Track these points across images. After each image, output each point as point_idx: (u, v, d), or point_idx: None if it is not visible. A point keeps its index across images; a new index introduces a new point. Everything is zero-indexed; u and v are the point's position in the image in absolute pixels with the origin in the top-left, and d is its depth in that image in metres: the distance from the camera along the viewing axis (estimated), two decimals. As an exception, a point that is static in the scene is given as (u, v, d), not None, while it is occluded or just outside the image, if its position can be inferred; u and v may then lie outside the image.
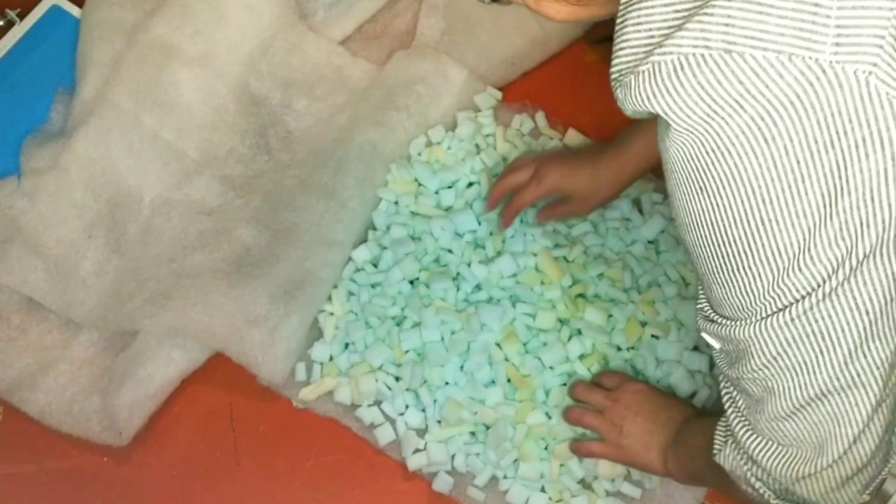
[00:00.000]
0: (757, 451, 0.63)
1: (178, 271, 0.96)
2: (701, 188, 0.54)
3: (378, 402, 0.94)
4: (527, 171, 0.95)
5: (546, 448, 0.91)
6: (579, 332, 0.93)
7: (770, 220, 0.52)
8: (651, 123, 0.86)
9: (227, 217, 1.00)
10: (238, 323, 0.92)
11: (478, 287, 0.96)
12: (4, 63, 1.07)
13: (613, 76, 0.55)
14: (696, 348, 0.94)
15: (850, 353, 0.55)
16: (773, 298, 0.55)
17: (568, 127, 1.05)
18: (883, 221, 0.51)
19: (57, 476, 0.93)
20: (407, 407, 0.93)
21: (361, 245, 0.99)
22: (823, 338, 0.55)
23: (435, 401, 0.92)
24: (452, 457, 0.92)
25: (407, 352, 0.94)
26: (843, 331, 0.54)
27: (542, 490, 0.91)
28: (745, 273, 0.55)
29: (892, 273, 0.52)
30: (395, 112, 1.02)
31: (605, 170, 0.92)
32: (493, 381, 0.93)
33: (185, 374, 0.94)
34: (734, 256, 0.55)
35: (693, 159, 0.53)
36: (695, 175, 0.54)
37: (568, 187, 0.93)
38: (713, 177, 0.53)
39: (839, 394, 0.57)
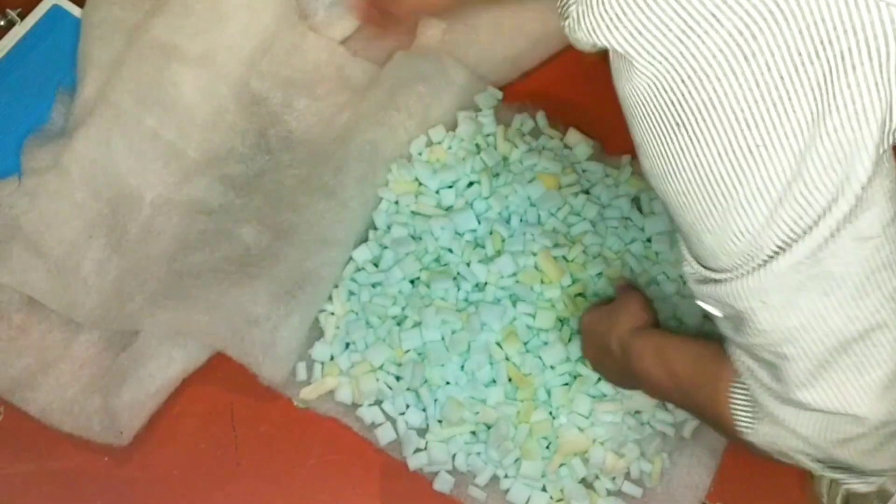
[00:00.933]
0: (795, 422, 0.57)
1: (178, 271, 0.96)
2: (677, 124, 0.50)
3: (379, 402, 0.94)
4: None
5: (548, 447, 0.92)
6: (579, 331, 0.93)
7: (758, 147, 0.48)
8: None
9: (227, 217, 1.00)
10: (238, 322, 0.92)
11: (478, 286, 0.96)
12: (5, 63, 1.07)
13: (559, 8, 0.51)
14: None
15: (858, 289, 0.51)
16: (773, 235, 0.51)
17: (568, 126, 1.05)
18: (874, 141, 0.47)
19: (58, 476, 0.93)
20: (408, 406, 0.93)
21: (362, 245, 0.99)
22: (828, 277, 0.50)
23: (436, 400, 0.92)
24: (453, 456, 0.92)
25: (407, 351, 0.94)
26: (854, 269, 0.50)
27: (543, 489, 0.91)
28: (739, 211, 0.51)
29: (890, 191, 0.49)
30: (396, 112, 1.02)
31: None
32: (494, 381, 0.93)
33: (185, 373, 0.94)
34: (724, 195, 0.51)
35: (665, 93, 0.49)
36: (669, 111, 0.50)
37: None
38: (690, 109, 0.49)
39: (858, 341, 0.52)
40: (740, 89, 0.48)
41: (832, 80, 0.46)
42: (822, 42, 0.46)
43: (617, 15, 0.49)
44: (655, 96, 0.50)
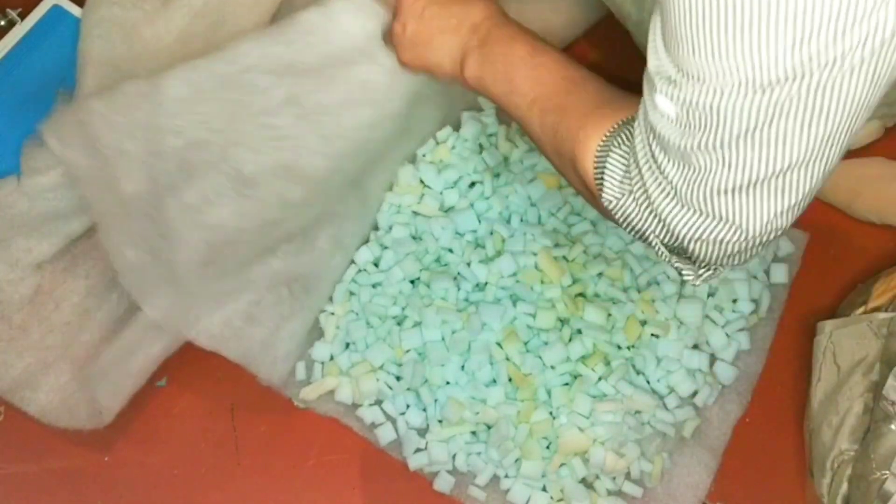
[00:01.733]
0: (673, 217, 0.57)
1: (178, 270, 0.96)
2: None
3: (379, 402, 0.94)
4: None
5: (548, 447, 0.91)
6: (579, 331, 0.93)
7: None
8: None
9: None
10: (238, 322, 0.92)
11: (478, 286, 0.96)
12: (5, 63, 1.08)
13: None
14: (696, 346, 0.94)
15: (837, 126, 0.50)
16: (784, 66, 0.48)
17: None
18: None
19: (58, 476, 0.93)
20: (408, 406, 0.93)
21: (363, 245, 0.99)
22: (823, 111, 0.49)
23: (436, 400, 0.92)
24: (453, 456, 0.92)
25: (408, 351, 0.94)
26: (852, 104, 0.49)
27: (544, 489, 0.91)
28: (759, 34, 0.47)
29: None
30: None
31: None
32: (495, 381, 0.93)
33: (167, 352, 0.94)
34: (751, 13, 0.47)
35: None
36: None
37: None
38: None
39: (799, 168, 0.52)
40: None
41: None
42: None
43: None
44: None
